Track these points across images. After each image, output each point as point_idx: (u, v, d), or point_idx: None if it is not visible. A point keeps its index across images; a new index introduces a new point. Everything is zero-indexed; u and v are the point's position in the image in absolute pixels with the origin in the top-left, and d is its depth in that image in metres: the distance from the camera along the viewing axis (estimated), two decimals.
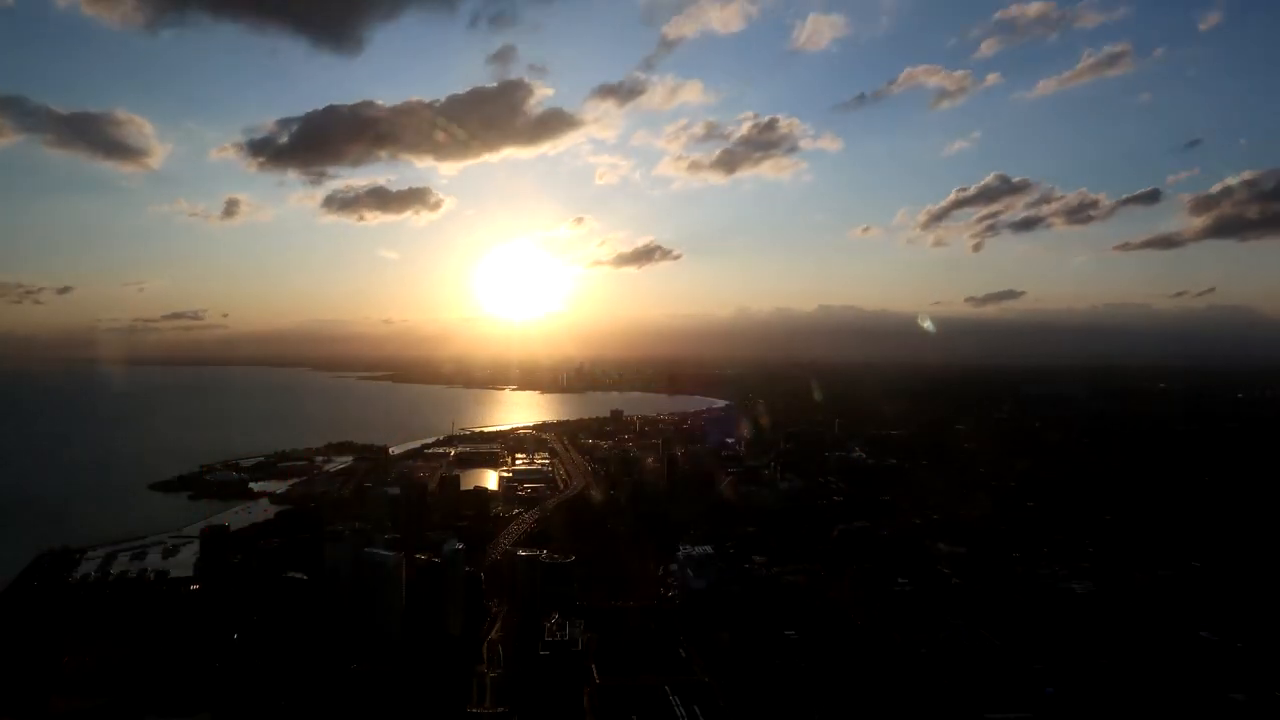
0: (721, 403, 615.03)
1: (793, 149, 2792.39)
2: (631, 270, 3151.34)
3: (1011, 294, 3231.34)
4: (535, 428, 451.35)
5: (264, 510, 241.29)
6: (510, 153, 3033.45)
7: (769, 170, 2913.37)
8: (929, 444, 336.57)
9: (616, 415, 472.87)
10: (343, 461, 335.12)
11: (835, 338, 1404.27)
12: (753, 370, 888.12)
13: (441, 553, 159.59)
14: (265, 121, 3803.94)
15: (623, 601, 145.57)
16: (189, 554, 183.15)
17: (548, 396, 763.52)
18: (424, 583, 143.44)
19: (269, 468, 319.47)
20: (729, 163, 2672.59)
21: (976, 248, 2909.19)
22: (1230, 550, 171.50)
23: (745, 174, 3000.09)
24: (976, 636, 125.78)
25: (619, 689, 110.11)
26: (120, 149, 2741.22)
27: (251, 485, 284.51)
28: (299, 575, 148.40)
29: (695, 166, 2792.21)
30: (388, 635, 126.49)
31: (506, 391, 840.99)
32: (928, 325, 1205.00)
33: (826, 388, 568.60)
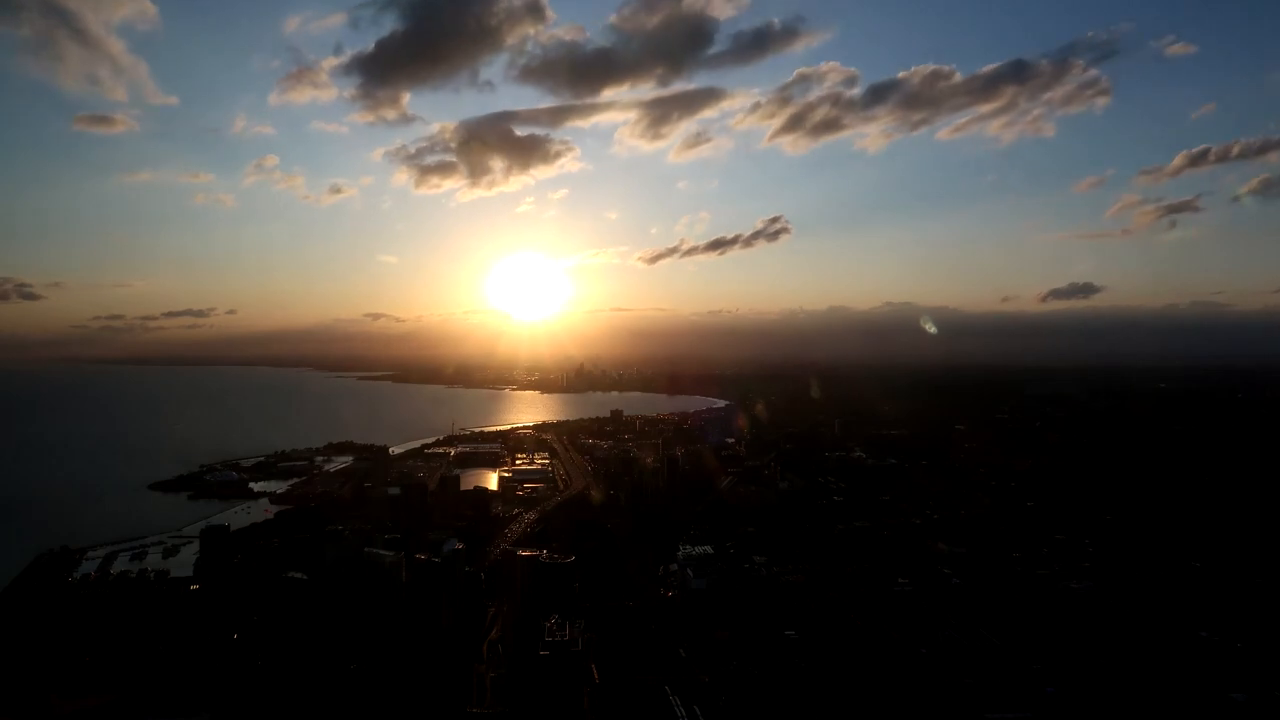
0: (721, 403, 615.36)
1: (1067, 73, 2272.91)
2: (712, 258, 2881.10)
3: (1091, 288, 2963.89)
4: (535, 428, 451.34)
5: (264, 510, 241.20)
6: (673, 88, 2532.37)
7: (983, 124, 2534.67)
8: (929, 444, 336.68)
9: (616, 415, 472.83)
10: (343, 461, 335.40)
11: (866, 338, 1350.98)
12: (757, 370, 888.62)
13: (441, 553, 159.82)
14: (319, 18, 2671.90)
15: (623, 601, 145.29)
16: (189, 554, 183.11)
17: (547, 396, 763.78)
18: (424, 583, 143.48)
19: (269, 468, 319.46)
20: (963, 95, 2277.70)
21: (1127, 231, 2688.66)
22: (1230, 550, 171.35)
23: (955, 121, 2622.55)
24: (976, 636, 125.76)
25: (619, 689, 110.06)
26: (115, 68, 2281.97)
27: (251, 485, 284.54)
28: (299, 575, 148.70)
29: (902, 111, 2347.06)
30: (388, 635, 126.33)
31: (507, 391, 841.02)
32: (930, 328, 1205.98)
33: (829, 389, 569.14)
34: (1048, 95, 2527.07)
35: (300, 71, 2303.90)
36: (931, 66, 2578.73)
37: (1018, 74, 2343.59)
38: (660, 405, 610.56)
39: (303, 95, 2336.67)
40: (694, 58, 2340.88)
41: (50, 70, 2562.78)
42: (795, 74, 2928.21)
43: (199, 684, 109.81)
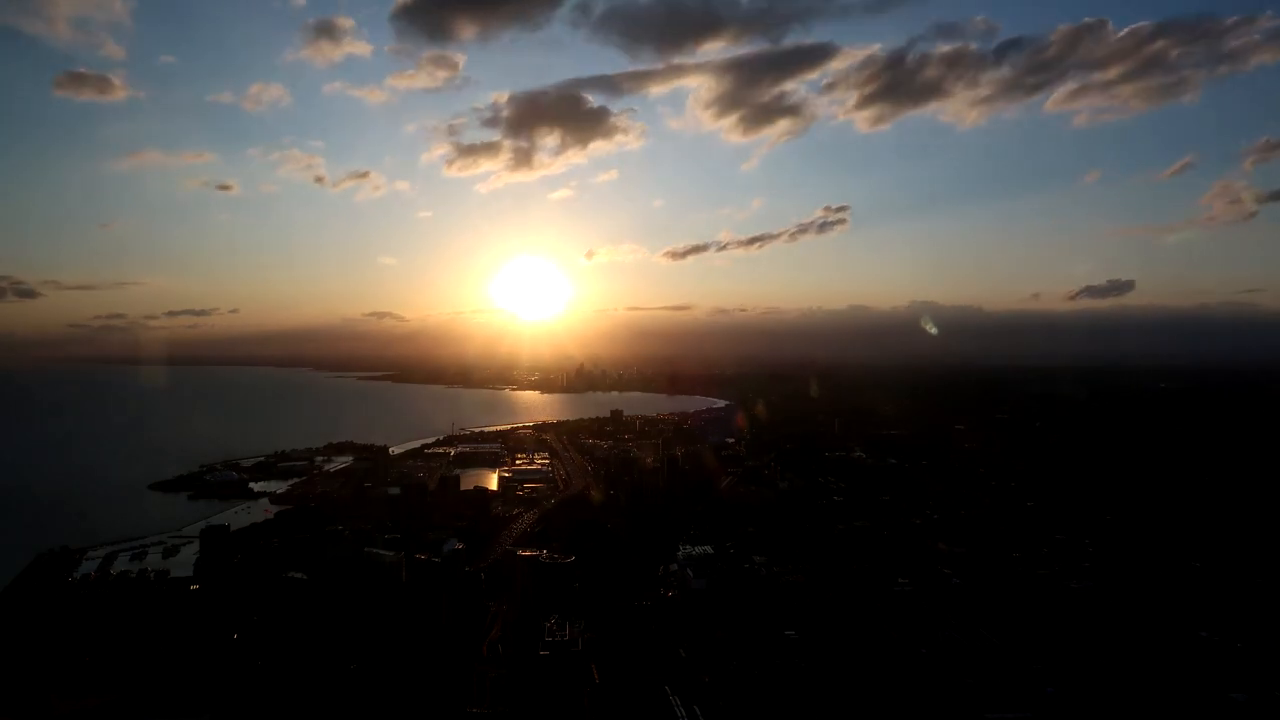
0: (722, 403, 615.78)
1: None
2: (750, 253, 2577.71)
3: (1128, 286, 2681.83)
4: (535, 428, 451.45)
5: (264, 510, 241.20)
6: (783, 44, 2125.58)
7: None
8: (929, 444, 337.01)
9: (616, 415, 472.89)
10: (343, 461, 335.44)
11: (880, 339, 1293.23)
12: (757, 371, 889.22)
13: (441, 553, 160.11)
14: None
15: (623, 601, 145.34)
16: (189, 554, 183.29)
17: (547, 397, 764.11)
18: (424, 583, 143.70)
19: (269, 468, 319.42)
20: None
21: (1212, 219, 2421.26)
22: (1230, 550, 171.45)
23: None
24: (976, 636, 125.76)
25: (619, 689, 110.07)
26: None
27: (251, 485, 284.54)
28: (299, 575, 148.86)
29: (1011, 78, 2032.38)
30: (388, 635, 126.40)
31: (507, 392, 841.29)
32: (931, 329, 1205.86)
33: (831, 389, 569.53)
34: (1210, 50, 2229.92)
35: (330, 21, 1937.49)
36: (1085, 20, 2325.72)
37: (1190, 27, 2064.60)
38: (660, 405, 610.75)
39: (330, 52, 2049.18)
40: (822, 5, 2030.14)
41: (35, 17, 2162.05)
42: (931, 22, 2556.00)
43: (199, 684, 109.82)
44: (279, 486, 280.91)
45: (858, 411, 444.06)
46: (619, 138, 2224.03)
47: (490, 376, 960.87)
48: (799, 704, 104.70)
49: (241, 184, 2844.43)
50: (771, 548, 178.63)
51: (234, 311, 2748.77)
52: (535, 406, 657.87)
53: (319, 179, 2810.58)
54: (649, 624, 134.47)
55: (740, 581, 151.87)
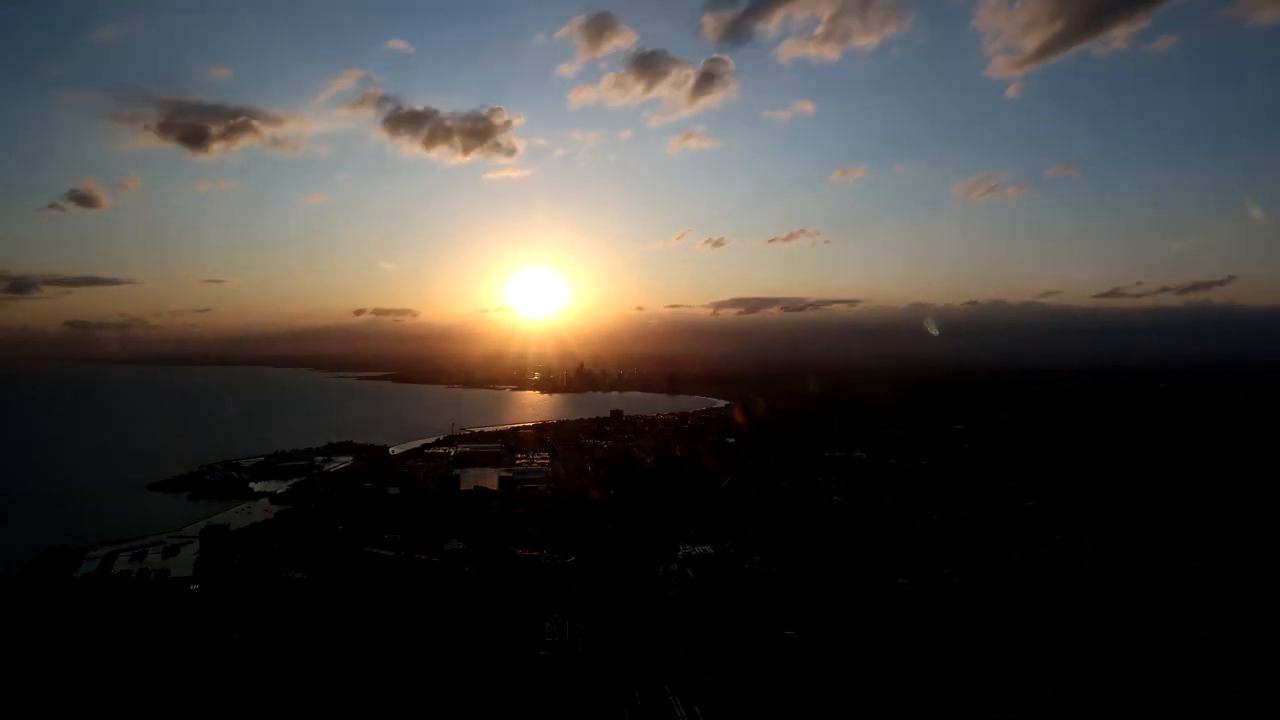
0: (721, 402, 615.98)
1: None
2: (880, 233, 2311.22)
3: (1217, 283, 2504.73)
4: (535, 427, 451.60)
5: (264, 510, 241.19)
6: None
7: None
8: (929, 444, 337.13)
9: (616, 415, 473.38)
10: (343, 461, 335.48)
11: (913, 339, 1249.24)
12: (761, 371, 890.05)
13: (441, 553, 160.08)
14: None
15: (623, 601, 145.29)
16: (189, 554, 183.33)
17: (547, 397, 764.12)
18: (423, 583, 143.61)
19: (269, 468, 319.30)
20: None
21: None
22: (1230, 550, 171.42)
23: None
24: (976, 636, 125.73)
25: (619, 689, 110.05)
26: None
27: (251, 485, 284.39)
28: (299, 575, 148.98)
29: None
30: (388, 635, 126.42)
31: (507, 391, 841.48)
32: (933, 330, 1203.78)
33: (831, 388, 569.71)
34: None
35: None
36: None
37: None
38: (660, 405, 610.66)
39: None
40: None
41: None
42: None
43: (199, 684, 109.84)
44: (279, 486, 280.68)
45: (859, 412, 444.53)
46: (888, 29, 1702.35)
47: (494, 377, 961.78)
48: (799, 704, 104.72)
49: (279, 139, 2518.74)
50: (771, 548, 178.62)
51: (243, 309, 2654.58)
52: (536, 406, 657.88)
53: (391, 119, 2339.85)
54: (649, 624, 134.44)
55: (740, 581, 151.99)
